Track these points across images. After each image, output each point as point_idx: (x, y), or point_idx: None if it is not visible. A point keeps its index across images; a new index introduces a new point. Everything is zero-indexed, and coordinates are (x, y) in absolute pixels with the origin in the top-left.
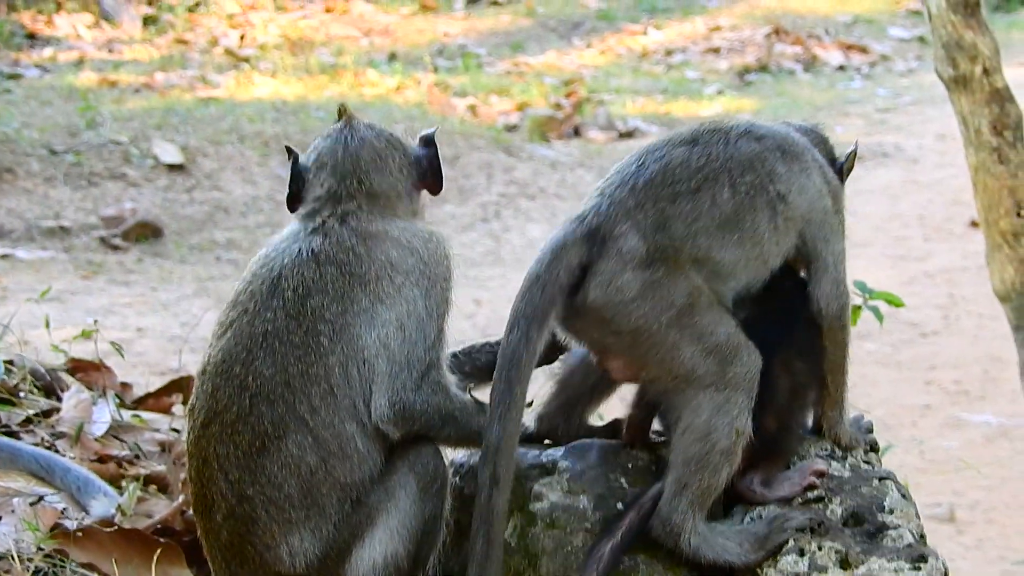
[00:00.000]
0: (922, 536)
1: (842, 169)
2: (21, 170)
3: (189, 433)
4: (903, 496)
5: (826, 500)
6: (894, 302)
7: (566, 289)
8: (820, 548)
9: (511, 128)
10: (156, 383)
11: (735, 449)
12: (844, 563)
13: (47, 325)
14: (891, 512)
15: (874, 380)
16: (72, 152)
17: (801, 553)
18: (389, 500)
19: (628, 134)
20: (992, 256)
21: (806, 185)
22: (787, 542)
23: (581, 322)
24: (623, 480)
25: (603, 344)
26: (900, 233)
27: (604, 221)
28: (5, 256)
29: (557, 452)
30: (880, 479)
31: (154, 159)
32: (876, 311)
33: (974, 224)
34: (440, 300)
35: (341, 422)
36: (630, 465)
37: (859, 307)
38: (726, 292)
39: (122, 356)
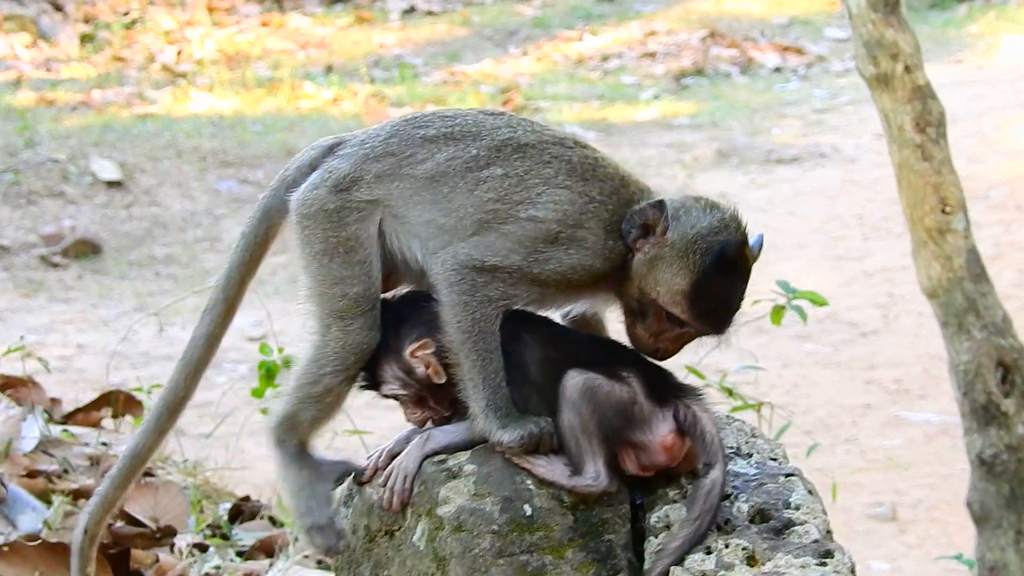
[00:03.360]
0: (828, 532)
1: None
2: None
3: None
4: (809, 492)
5: (732, 497)
6: (817, 301)
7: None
8: (727, 546)
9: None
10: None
11: (324, 400)
12: (751, 560)
13: None
14: (797, 508)
15: (814, 381)
16: (11, 171)
17: (708, 551)
18: None
19: None
20: (918, 253)
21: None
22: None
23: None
24: (529, 482)
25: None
26: (838, 233)
27: (348, 139)
28: None
29: (463, 456)
30: (786, 475)
31: (92, 176)
32: (800, 310)
33: None
34: None
35: None
36: None
37: (782, 307)
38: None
39: (48, 371)
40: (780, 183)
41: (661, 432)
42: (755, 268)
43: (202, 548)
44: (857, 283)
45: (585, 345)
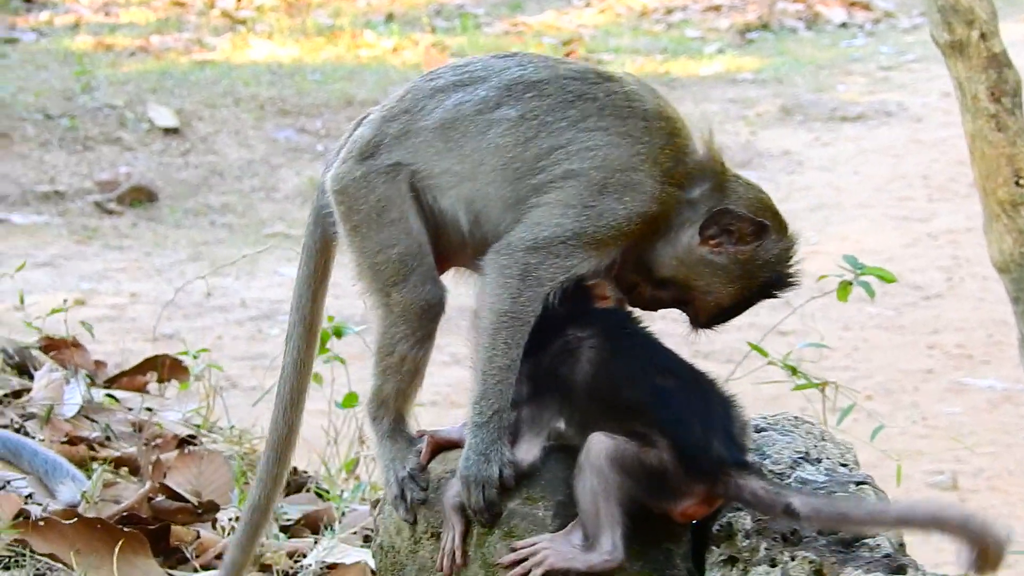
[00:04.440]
0: (902, 545)
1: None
2: (16, 135)
3: None
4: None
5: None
6: (886, 278)
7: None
8: (793, 559)
9: None
10: (148, 350)
11: (401, 369)
12: (818, 574)
13: (21, 300)
14: None
15: (875, 344)
16: (67, 116)
17: (773, 564)
18: None
19: None
20: (990, 226)
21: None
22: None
23: None
24: None
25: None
26: (903, 193)
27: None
28: (0, 221)
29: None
30: (857, 483)
31: (149, 123)
32: (867, 287)
33: None
34: None
35: None
36: None
37: (849, 283)
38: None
39: (92, 336)
40: (844, 141)
41: (684, 503)
42: (818, 225)
43: None
44: (921, 245)
45: (643, 382)
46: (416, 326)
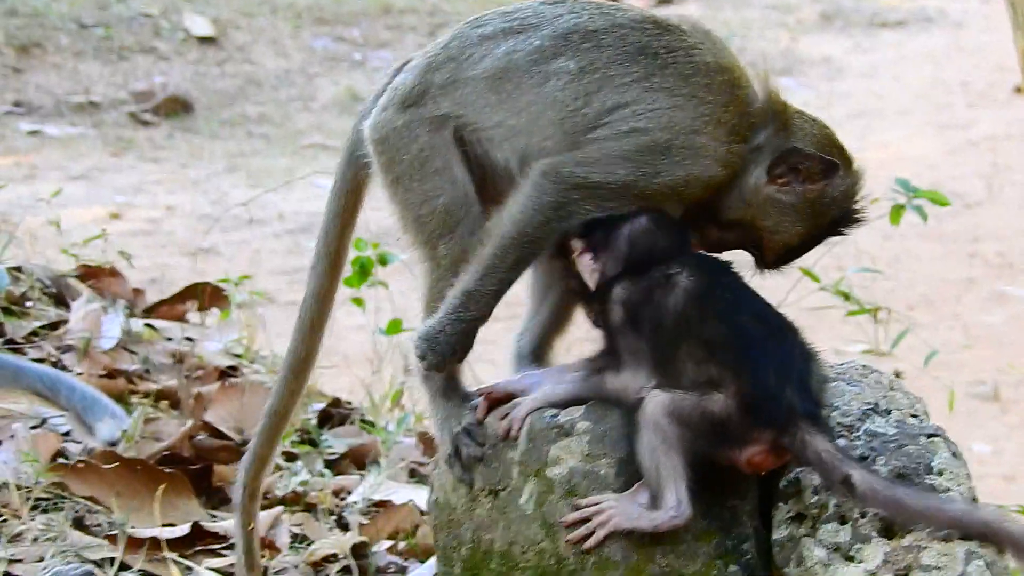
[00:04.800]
0: (974, 499)
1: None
2: (50, 44)
3: None
4: (953, 455)
5: (870, 460)
6: (939, 201)
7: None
8: (863, 515)
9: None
10: (184, 264)
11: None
12: (888, 532)
13: (58, 227)
14: (940, 474)
15: (916, 254)
16: (101, 26)
17: (842, 521)
18: None
19: (667, 1)
20: None
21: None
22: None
23: None
24: None
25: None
26: (943, 100)
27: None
28: (34, 132)
29: (576, 412)
30: (928, 436)
31: (185, 32)
32: (920, 210)
33: (1019, 90)
34: None
35: None
36: None
37: (902, 206)
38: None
39: (131, 266)
40: (885, 47)
41: (749, 452)
42: (858, 132)
43: (290, 456)
44: (961, 152)
45: (728, 320)
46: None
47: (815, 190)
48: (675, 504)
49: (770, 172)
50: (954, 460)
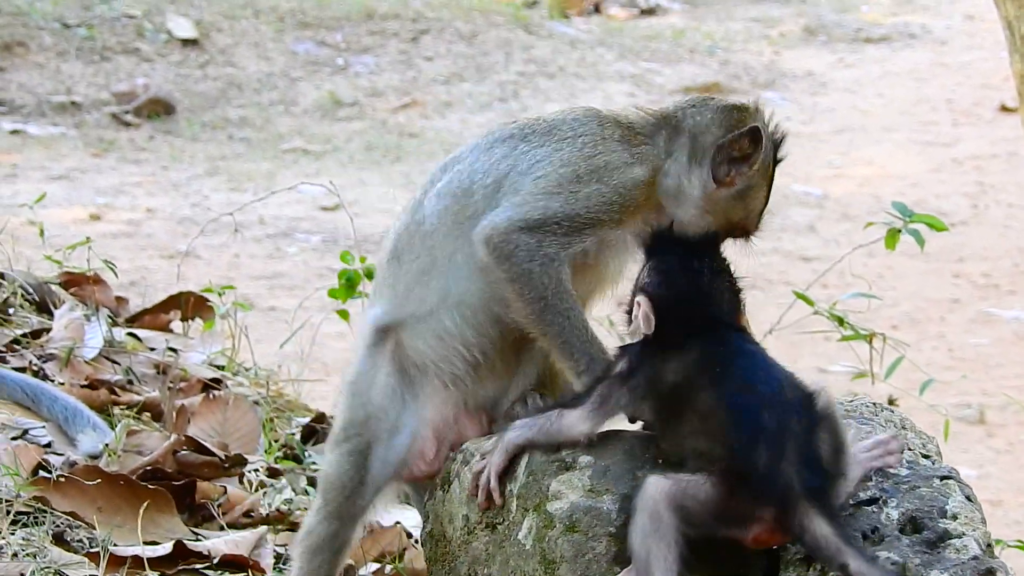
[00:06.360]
0: (989, 546)
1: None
2: (33, 44)
3: None
4: (967, 499)
5: (881, 502)
6: (936, 226)
7: None
8: (875, 559)
9: (531, 5)
10: (164, 267)
11: None
12: None
13: (41, 234)
14: (954, 518)
15: (900, 272)
16: (85, 26)
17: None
18: None
19: (650, 11)
20: None
21: None
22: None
23: None
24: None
25: None
26: (927, 118)
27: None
28: (16, 131)
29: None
30: (942, 478)
31: (167, 34)
32: (917, 235)
33: (1004, 109)
34: None
35: None
36: (660, 460)
37: (898, 231)
38: None
39: (115, 275)
40: (869, 63)
41: (754, 529)
42: (842, 148)
43: (273, 473)
44: (946, 170)
45: (721, 393)
46: None
47: (756, 158)
48: None
49: (716, 178)
50: (968, 504)
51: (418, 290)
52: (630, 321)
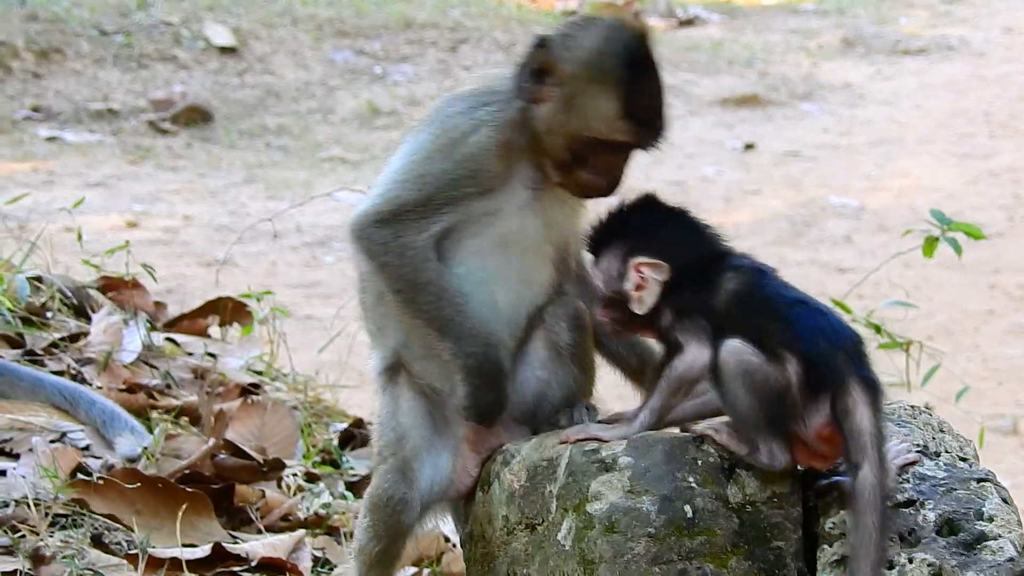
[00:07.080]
0: None
1: None
2: (70, 51)
3: None
4: (1004, 501)
5: (918, 503)
6: (974, 234)
7: None
8: (911, 561)
9: (569, 15)
10: (201, 275)
11: None
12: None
13: (79, 238)
14: (991, 520)
15: (936, 283)
16: (122, 33)
17: (889, 566)
18: None
19: (688, 22)
20: None
21: None
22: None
23: None
24: (691, 479)
25: None
26: (964, 130)
27: None
28: (53, 138)
29: (618, 446)
30: (979, 480)
31: (205, 41)
32: (954, 243)
33: None
34: None
35: None
36: (699, 462)
37: (936, 239)
38: None
39: (154, 280)
40: (906, 75)
41: (815, 424)
42: (879, 162)
43: (312, 478)
44: (983, 183)
45: (776, 310)
46: None
47: (564, 69)
48: (767, 454)
49: (529, 96)
50: (1004, 506)
51: (397, 329)
52: (637, 288)
